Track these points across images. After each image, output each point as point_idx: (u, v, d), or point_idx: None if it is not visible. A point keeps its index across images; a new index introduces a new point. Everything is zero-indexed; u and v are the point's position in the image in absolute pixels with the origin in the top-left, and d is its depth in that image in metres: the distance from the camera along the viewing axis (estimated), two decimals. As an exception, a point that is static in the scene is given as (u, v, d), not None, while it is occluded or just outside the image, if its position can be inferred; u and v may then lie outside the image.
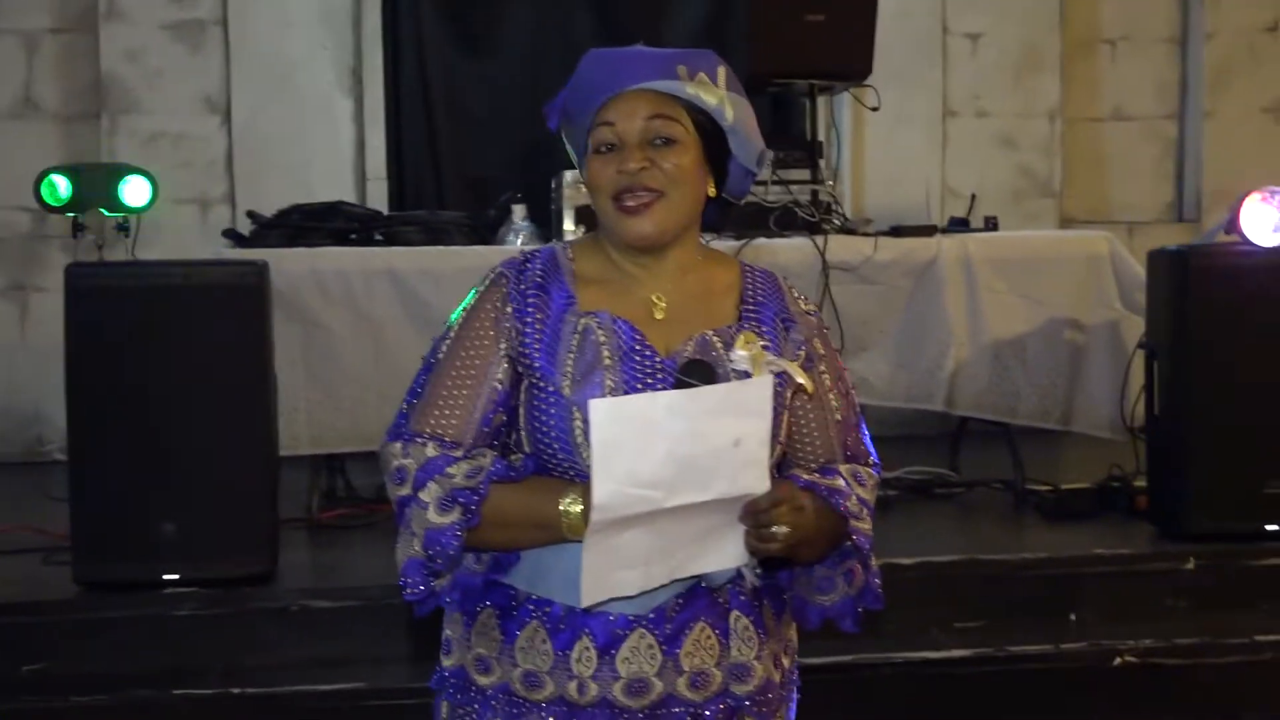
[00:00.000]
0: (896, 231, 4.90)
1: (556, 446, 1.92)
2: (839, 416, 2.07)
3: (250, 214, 5.06)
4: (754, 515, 1.86)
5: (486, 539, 1.92)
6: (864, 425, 2.13)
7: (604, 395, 1.90)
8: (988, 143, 6.72)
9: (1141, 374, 4.50)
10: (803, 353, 2.03)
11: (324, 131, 6.30)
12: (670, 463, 1.79)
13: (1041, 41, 6.71)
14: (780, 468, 2.04)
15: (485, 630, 1.99)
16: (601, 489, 1.77)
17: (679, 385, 1.89)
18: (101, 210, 4.05)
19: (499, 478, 1.90)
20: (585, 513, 1.81)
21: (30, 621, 3.82)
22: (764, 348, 1.96)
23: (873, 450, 2.13)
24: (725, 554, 1.90)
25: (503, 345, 1.97)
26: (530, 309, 1.98)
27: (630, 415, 1.80)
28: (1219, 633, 3.95)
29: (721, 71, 2.00)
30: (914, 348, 4.81)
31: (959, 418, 5.12)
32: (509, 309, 1.98)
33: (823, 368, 2.06)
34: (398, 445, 1.95)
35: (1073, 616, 4.05)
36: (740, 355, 1.94)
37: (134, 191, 4.04)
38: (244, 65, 6.24)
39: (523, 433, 1.96)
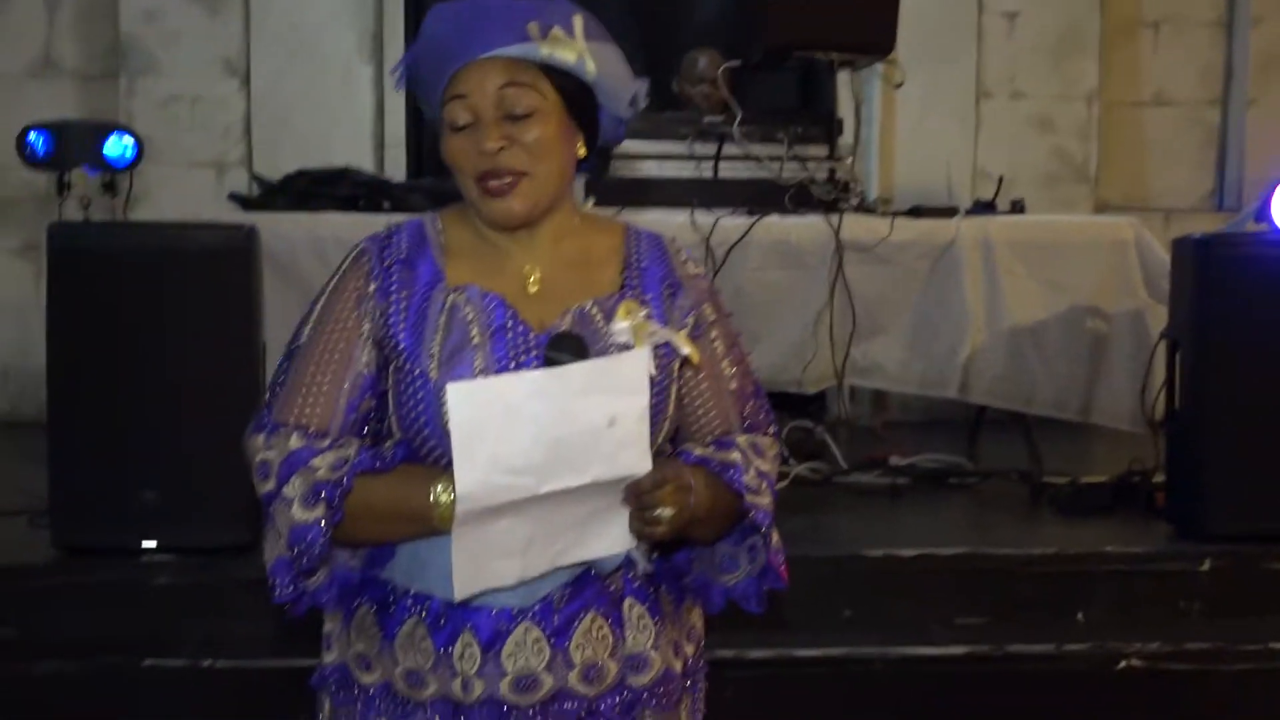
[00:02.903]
0: (915, 212, 4.74)
1: (426, 432, 1.77)
2: (734, 385, 1.93)
3: (255, 177, 4.97)
4: (637, 498, 1.72)
5: (355, 534, 1.78)
6: (762, 393, 1.99)
7: (473, 376, 1.75)
8: (1022, 125, 6.50)
9: (1165, 365, 4.31)
10: (690, 320, 1.88)
11: (343, 96, 6.17)
12: (539, 447, 1.65)
13: (1081, 22, 6.48)
14: (674, 441, 1.90)
15: (363, 627, 1.86)
16: (465, 478, 1.64)
17: (549, 362, 1.73)
18: (84, 168, 3.95)
19: (364, 469, 1.75)
20: None
21: (4, 586, 3.72)
22: (647, 316, 1.81)
23: (772, 418, 1.99)
24: (611, 539, 1.76)
25: (366, 326, 1.82)
26: (394, 287, 1.82)
27: (491, 399, 1.66)
28: (1232, 639, 3.75)
29: (578, 21, 1.82)
30: (929, 332, 4.65)
31: (978, 405, 4.95)
32: (372, 288, 1.83)
33: (714, 334, 1.92)
34: (260, 438, 1.81)
35: (1080, 616, 3.87)
36: (621, 327, 1.79)
37: (117, 149, 3.92)
38: (264, 28, 6.12)
39: (392, 419, 1.82)
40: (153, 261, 3.77)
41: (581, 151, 1.88)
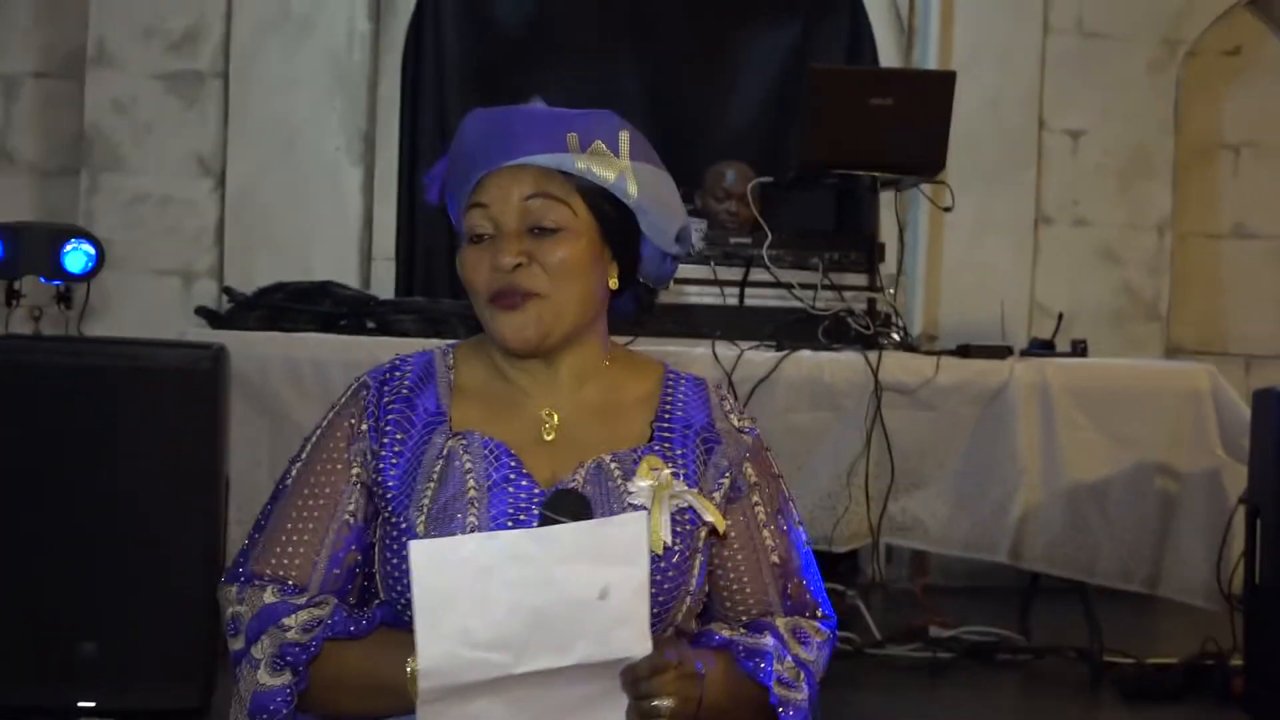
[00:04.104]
0: (964, 351, 4.75)
1: (410, 595, 1.75)
2: (776, 558, 1.91)
3: (227, 290, 5.01)
4: (633, 685, 1.68)
5: (326, 704, 1.77)
6: (813, 567, 1.96)
7: (465, 533, 1.74)
8: (1086, 256, 6.54)
9: (1244, 533, 4.29)
10: (726, 480, 1.87)
11: (328, 203, 6.23)
12: (516, 619, 1.62)
13: (1152, 144, 6.55)
14: (703, 617, 1.88)
15: None
16: (429, 651, 1.61)
17: (544, 522, 1.71)
18: (39, 277, 4.00)
19: (337, 632, 1.74)
20: None
21: (-80, 748, 3.69)
22: (675, 475, 1.80)
23: (824, 600, 1.95)
24: None
25: (355, 471, 1.83)
26: (390, 428, 1.83)
27: (461, 560, 1.63)
28: None
29: (624, 137, 1.84)
30: (977, 487, 4.63)
31: (1031, 572, 4.92)
32: (365, 427, 1.84)
33: (756, 498, 1.90)
34: (233, 589, 1.81)
35: (1147, 822, 3.83)
36: (641, 486, 1.78)
37: (76, 258, 3.97)
38: (243, 124, 6.19)
39: (377, 574, 1.81)
40: (108, 382, 3.78)
41: (614, 283, 1.88)
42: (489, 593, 1.62)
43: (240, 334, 4.52)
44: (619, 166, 1.82)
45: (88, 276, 4.04)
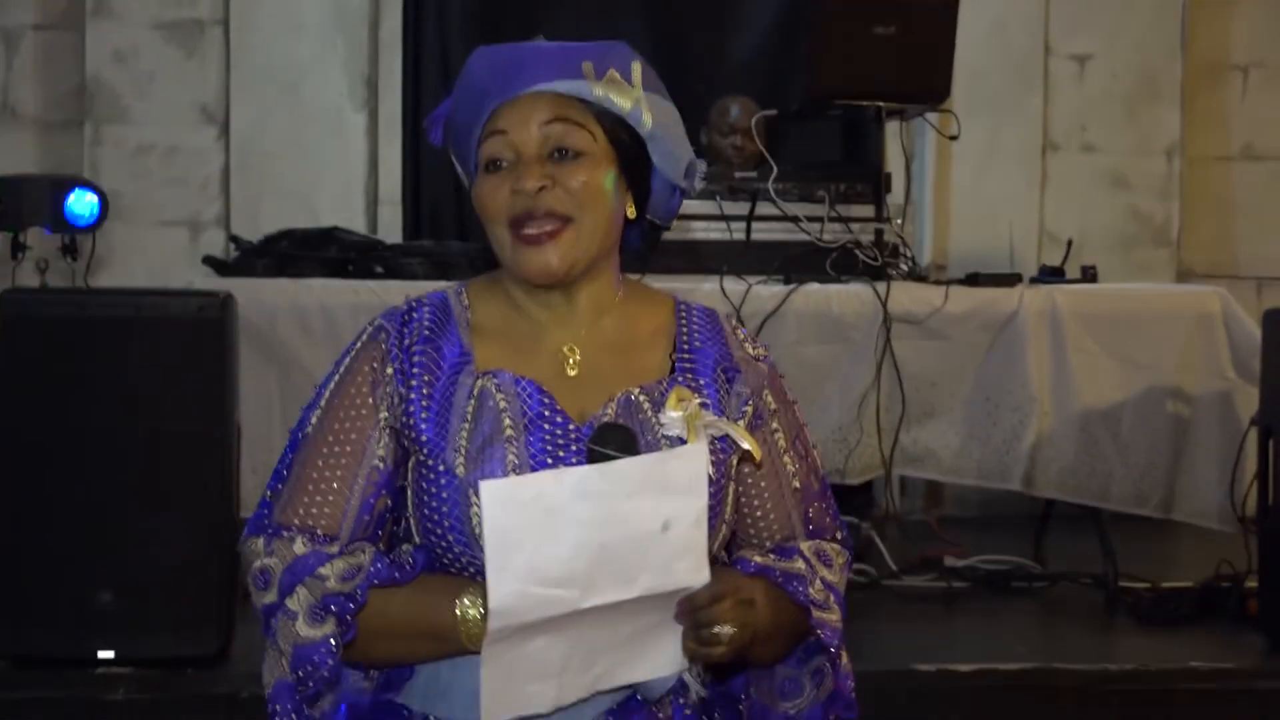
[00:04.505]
0: (972, 280, 4.74)
1: (451, 537, 1.75)
2: (797, 483, 1.93)
3: (234, 238, 5.02)
4: (692, 614, 1.69)
5: (369, 653, 1.77)
6: (829, 492, 1.98)
7: (505, 472, 1.73)
8: (1094, 182, 6.52)
9: (1257, 455, 4.28)
10: (749, 409, 1.88)
11: (333, 148, 6.23)
12: (583, 554, 1.63)
13: (1160, 67, 6.51)
14: (729, 547, 1.89)
15: None
16: (500, 591, 1.61)
17: (592, 457, 1.71)
18: (43, 229, 4.00)
19: (381, 580, 1.73)
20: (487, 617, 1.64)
21: (-58, 699, 3.72)
22: (702, 405, 1.80)
23: (841, 522, 1.98)
24: (660, 660, 1.74)
25: (383, 415, 1.81)
26: (416, 370, 1.81)
27: (530, 499, 1.63)
28: (1337, 768, 3.72)
29: (637, 67, 1.84)
30: (988, 415, 4.63)
31: (1045, 499, 4.93)
32: (389, 371, 1.82)
33: (775, 425, 1.91)
34: (259, 541, 1.79)
35: (1162, 741, 3.84)
36: (672, 417, 1.78)
37: (80, 208, 3.97)
38: (245, 72, 6.19)
39: (411, 519, 1.80)
40: (116, 333, 3.78)
41: (631, 213, 1.88)
42: (557, 530, 1.63)
43: (248, 281, 4.52)
44: (634, 96, 1.83)
45: (92, 227, 4.03)
